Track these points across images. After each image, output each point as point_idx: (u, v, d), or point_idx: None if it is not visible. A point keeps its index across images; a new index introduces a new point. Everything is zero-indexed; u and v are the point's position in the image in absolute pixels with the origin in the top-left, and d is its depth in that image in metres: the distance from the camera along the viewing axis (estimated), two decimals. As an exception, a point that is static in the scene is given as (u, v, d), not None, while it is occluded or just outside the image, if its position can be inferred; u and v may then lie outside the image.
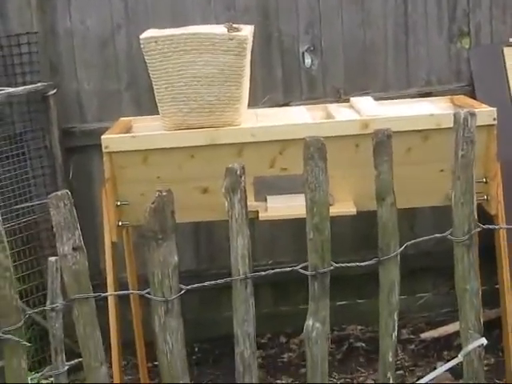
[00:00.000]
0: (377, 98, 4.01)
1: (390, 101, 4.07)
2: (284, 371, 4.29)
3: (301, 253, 4.33)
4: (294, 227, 4.44)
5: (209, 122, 3.59)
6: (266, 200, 3.67)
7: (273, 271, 2.55)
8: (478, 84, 4.33)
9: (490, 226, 2.48)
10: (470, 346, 2.49)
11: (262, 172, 3.59)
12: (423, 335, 4.45)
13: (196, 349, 4.52)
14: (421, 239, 2.51)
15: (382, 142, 2.47)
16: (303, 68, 4.37)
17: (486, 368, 4.12)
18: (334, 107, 3.95)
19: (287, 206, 3.60)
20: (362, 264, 2.50)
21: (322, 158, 2.47)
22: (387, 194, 2.49)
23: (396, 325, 2.54)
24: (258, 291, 2.55)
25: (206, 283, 2.54)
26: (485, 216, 3.73)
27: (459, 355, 2.54)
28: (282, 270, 2.55)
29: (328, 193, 2.50)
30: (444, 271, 4.51)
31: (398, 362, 4.24)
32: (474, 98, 4.08)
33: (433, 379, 2.63)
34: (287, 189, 3.67)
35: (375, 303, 4.51)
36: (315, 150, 2.46)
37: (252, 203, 3.61)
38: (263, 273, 2.54)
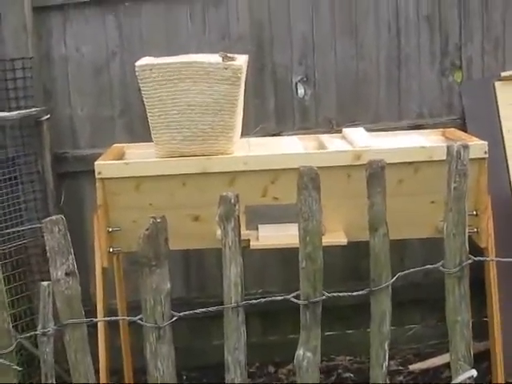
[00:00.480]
0: (368, 130, 4.04)
1: (381, 132, 4.10)
2: (272, 402, 4.30)
3: (290, 282, 4.35)
4: (284, 257, 4.48)
5: (202, 150, 3.61)
6: (257, 229, 3.68)
7: (264, 300, 2.57)
8: (470, 117, 4.37)
9: (482, 258, 2.51)
10: (461, 378, 2.50)
11: (253, 201, 3.61)
12: (412, 367, 4.46)
13: (184, 377, 4.51)
14: (413, 270, 2.53)
15: (375, 173, 2.50)
16: (296, 98, 4.41)
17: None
18: (326, 137, 3.98)
19: (278, 235, 3.61)
20: (353, 294, 2.51)
21: (316, 188, 2.49)
22: (380, 225, 2.51)
23: (387, 355, 2.55)
24: (247, 320, 2.56)
25: (197, 310, 2.54)
26: (474, 249, 3.77)
27: (450, 386, 2.55)
28: (274, 298, 2.56)
29: (321, 222, 2.52)
30: (432, 303, 4.56)
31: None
32: (465, 132, 4.12)
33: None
34: (279, 218, 3.69)
35: (364, 334, 4.55)
36: (309, 179, 2.49)
37: (243, 232, 3.57)
38: (255, 301, 2.56)
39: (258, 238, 3.64)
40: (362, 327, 4.55)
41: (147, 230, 2.43)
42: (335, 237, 3.62)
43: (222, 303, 2.53)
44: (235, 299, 2.50)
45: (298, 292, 2.53)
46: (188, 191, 3.59)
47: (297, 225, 3.55)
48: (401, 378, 4.42)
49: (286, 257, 4.48)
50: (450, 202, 2.48)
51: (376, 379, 2.54)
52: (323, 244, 3.61)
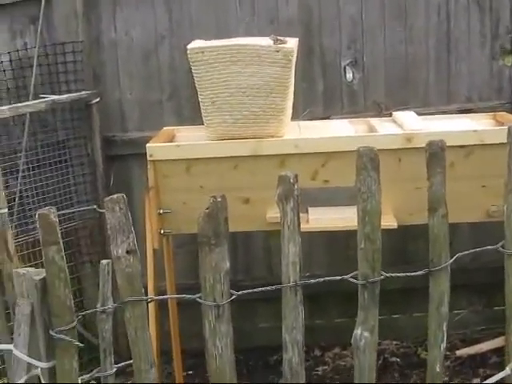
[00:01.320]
0: (417, 114, 4.02)
1: (432, 116, 4.09)
2: (317, 385, 4.31)
3: (334, 266, 4.39)
4: (328, 241, 4.47)
5: (253, 132, 3.62)
6: (307, 211, 3.68)
7: (322, 279, 2.57)
8: (519, 101, 4.34)
9: (542, 240, 2.48)
10: (520, 360, 2.49)
11: (303, 184, 3.56)
12: (459, 352, 4.43)
13: (231, 359, 4.51)
14: (473, 250, 2.52)
15: (435, 153, 2.49)
16: (344, 82, 4.39)
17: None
18: (376, 121, 3.97)
19: (329, 218, 3.62)
20: (411, 274, 2.51)
21: (375, 169, 2.48)
22: (439, 205, 2.50)
23: (445, 336, 2.55)
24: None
25: (256, 290, 2.56)
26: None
27: (507, 368, 2.54)
28: (332, 278, 2.56)
29: (380, 203, 2.51)
30: (480, 288, 4.54)
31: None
32: (515, 116, 4.09)
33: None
34: (329, 201, 3.69)
35: (410, 319, 4.58)
36: (368, 160, 2.48)
37: (293, 214, 3.65)
38: (313, 280, 2.56)
39: (308, 221, 3.64)
40: (408, 312, 4.54)
41: (207, 208, 2.44)
42: (385, 220, 3.56)
43: (269, 285, 2.54)
44: (293, 278, 2.51)
45: (356, 272, 2.53)
46: (239, 174, 3.60)
47: (346, 208, 3.62)
48: (448, 363, 4.39)
49: (330, 241, 4.48)
50: (510, 183, 2.47)
51: (434, 360, 2.54)
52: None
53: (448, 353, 4.49)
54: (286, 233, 2.51)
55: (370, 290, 2.50)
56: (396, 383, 4.22)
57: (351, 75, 4.38)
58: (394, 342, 4.55)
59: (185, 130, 4.06)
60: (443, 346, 2.53)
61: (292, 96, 3.75)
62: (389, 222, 3.59)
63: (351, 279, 2.52)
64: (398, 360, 4.44)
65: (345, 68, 4.39)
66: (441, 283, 2.51)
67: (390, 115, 4.07)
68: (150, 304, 3.51)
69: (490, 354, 4.33)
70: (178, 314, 4.07)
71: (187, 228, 3.56)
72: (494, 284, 3.98)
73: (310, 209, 3.70)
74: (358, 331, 2.53)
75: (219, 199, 2.44)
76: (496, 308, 4.33)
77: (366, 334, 2.53)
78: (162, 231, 3.67)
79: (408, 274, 2.53)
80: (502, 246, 2.49)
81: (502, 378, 2.61)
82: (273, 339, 4.49)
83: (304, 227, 3.60)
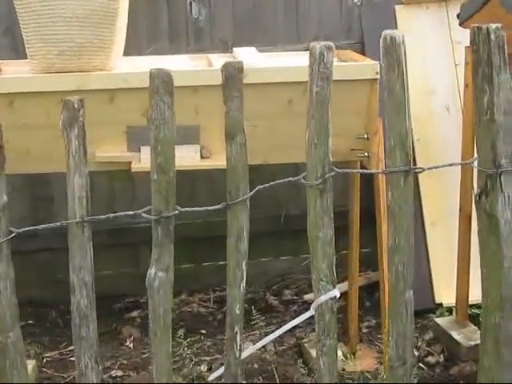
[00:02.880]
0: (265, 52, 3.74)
1: (274, 53, 3.81)
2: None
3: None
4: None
5: (79, 65, 3.27)
6: (139, 151, 3.36)
7: (113, 215, 2.27)
8: (368, 42, 4.08)
9: (346, 170, 2.22)
10: (322, 298, 2.24)
11: (135, 121, 3.29)
12: (306, 296, 4.21)
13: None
14: (274, 183, 2.24)
15: (231, 76, 2.20)
16: (190, 18, 4.06)
17: (366, 329, 4.02)
18: (215, 57, 3.66)
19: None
20: (208, 208, 2.23)
21: (169, 93, 2.19)
22: (238, 133, 2.22)
23: (244, 274, 2.28)
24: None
25: (40, 226, 2.24)
26: (366, 177, 3.53)
27: (311, 308, 2.29)
28: (125, 213, 2.26)
29: (174, 131, 2.22)
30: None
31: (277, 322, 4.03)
32: (364, 56, 3.83)
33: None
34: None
35: (257, 264, 4.33)
36: (161, 82, 2.19)
37: (125, 154, 3.34)
38: (103, 216, 2.26)
39: (140, 161, 3.33)
40: (255, 257, 4.28)
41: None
42: (220, 160, 3.32)
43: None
44: (80, 214, 2.20)
45: (149, 207, 2.23)
46: (64, 109, 3.25)
47: (179, 147, 3.33)
48: (295, 307, 4.19)
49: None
50: (312, 109, 2.20)
51: (233, 301, 2.27)
52: (208, 167, 3.38)
53: (296, 297, 4.28)
54: (71, 163, 2.21)
55: (163, 225, 2.21)
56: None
57: (197, 11, 4.06)
58: (242, 288, 4.28)
59: (14, 63, 3.67)
60: (243, 285, 2.27)
61: (124, 29, 3.42)
62: (223, 161, 3.31)
63: (144, 214, 2.22)
64: (246, 306, 4.18)
65: (191, 3, 4.06)
66: (239, 218, 2.24)
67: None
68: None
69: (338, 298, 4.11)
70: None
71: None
72: (341, 226, 3.78)
73: (142, 148, 3.38)
74: (151, 270, 2.25)
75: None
76: (343, 252, 4.11)
77: (161, 273, 2.24)
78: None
79: (204, 208, 2.23)
80: (304, 178, 2.21)
81: (308, 318, 2.36)
82: (117, 287, 4.25)
83: (135, 167, 3.36)
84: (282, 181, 2.24)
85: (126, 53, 3.56)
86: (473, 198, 3.66)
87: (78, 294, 2.24)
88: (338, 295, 2.27)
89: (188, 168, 3.37)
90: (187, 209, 2.22)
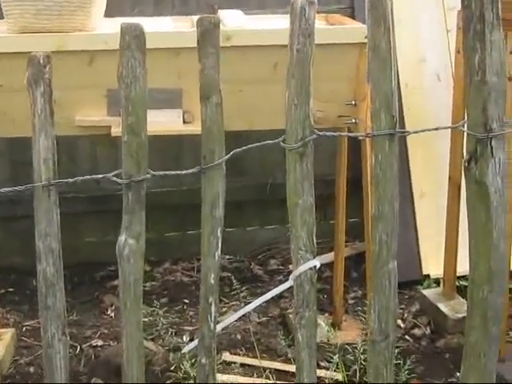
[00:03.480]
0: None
1: (261, 16, 3.63)
2: (144, 300, 3.86)
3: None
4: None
5: (57, 26, 3.09)
6: (120, 115, 3.18)
7: (82, 178, 2.10)
8: (358, 7, 3.91)
9: (328, 134, 2.06)
10: (301, 268, 2.09)
11: (116, 84, 3.10)
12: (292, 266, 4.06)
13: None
14: (250, 146, 2.07)
15: (207, 31, 2.03)
16: (175, -20, 3.89)
17: (352, 301, 3.87)
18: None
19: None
20: (181, 172, 2.06)
21: (140, 49, 2.01)
22: (213, 92, 2.05)
23: (220, 243, 2.11)
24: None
25: (2, 190, 2.07)
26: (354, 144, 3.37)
27: (289, 278, 2.14)
28: (94, 177, 2.10)
29: (146, 90, 2.05)
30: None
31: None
32: (353, 20, 3.65)
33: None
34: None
35: (243, 233, 4.18)
36: (132, 38, 2.01)
37: (105, 118, 3.17)
38: (71, 180, 2.09)
39: (120, 125, 3.14)
40: (241, 226, 4.14)
41: None
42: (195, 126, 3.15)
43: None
44: (46, 176, 2.03)
45: (120, 170, 2.07)
46: (42, 71, 3.07)
47: (161, 111, 3.17)
48: (280, 277, 4.04)
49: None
50: (293, 68, 2.03)
51: (207, 270, 2.11)
52: (188, 132, 3.22)
53: (281, 267, 4.14)
54: (37, 123, 2.04)
55: (134, 190, 2.04)
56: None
57: (182, -28, 3.88)
58: (227, 257, 4.13)
59: (-9, 23, 3.49)
60: (218, 254, 2.10)
61: (105, -13, 3.23)
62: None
63: (114, 178, 2.06)
64: (230, 275, 4.03)
65: (176, -36, 3.88)
66: (214, 183, 2.07)
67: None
68: None
69: (323, 268, 3.96)
70: None
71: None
72: (329, 196, 3.62)
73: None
74: (122, 238, 2.08)
75: None
76: (332, 222, 3.96)
77: (131, 240, 2.08)
78: None
79: (177, 172, 2.07)
80: (283, 141, 2.05)
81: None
82: (99, 254, 4.10)
83: (115, 131, 3.17)
84: (258, 144, 2.07)
85: (110, 15, 3.38)
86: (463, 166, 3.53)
87: (43, 262, 2.08)
88: (318, 265, 2.11)
89: (170, 133, 3.23)
90: (160, 172, 2.06)
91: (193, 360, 2.90)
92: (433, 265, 3.77)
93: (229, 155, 2.06)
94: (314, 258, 2.10)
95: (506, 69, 1.92)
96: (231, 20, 3.31)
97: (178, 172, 2.07)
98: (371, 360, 2.11)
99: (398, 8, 3.85)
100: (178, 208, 4.09)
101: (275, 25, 3.32)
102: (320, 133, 2.05)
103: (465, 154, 1.97)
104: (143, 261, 2.14)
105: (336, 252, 3.64)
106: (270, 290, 3.88)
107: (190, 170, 2.06)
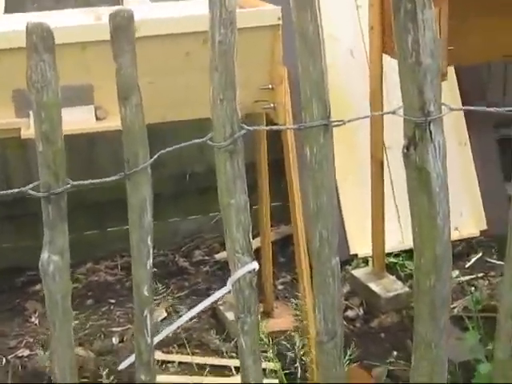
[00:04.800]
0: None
1: (168, 2, 3.41)
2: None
3: (74, 174, 3.70)
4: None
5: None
6: (28, 116, 2.96)
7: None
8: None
9: (258, 127, 1.89)
10: (239, 272, 1.92)
11: (22, 84, 2.86)
12: (218, 256, 3.90)
13: None
14: (176, 146, 1.89)
15: (121, 26, 1.83)
16: (75, -30, 3.64)
17: (281, 286, 3.74)
18: (104, 10, 3.24)
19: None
20: (103, 180, 1.86)
21: (49, 50, 1.80)
22: (132, 92, 1.85)
23: (151, 251, 1.93)
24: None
25: None
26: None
27: (227, 284, 1.97)
28: (10, 191, 1.87)
29: (58, 92, 1.84)
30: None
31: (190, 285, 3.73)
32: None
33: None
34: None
35: (165, 225, 3.96)
36: (40, 39, 1.79)
37: (13, 120, 2.92)
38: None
39: (29, 127, 2.92)
40: (162, 218, 3.94)
41: None
42: (117, 120, 2.94)
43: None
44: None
45: (37, 182, 1.85)
46: None
47: (74, 108, 2.95)
48: (207, 267, 3.87)
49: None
50: (216, 60, 1.85)
51: (140, 281, 1.92)
52: (102, 129, 3.01)
53: (207, 257, 3.97)
54: None
55: (54, 203, 1.83)
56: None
57: (82, -38, 3.63)
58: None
59: None
60: (149, 263, 1.92)
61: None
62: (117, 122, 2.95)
63: (31, 191, 1.84)
64: (156, 270, 3.84)
65: (74, -46, 3.62)
66: (140, 188, 1.88)
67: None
68: None
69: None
70: None
71: None
72: (250, 181, 3.46)
73: (31, 113, 2.95)
74: (44, 255, 1.87)
75: None
76: (255, 207, 3.81)
77: (56, 257, 1.87)
78: None
79: (99, 180, 1.87)
80: (211, 139, 1.87)
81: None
82: (17, 260, 3.85)
83: (25, 134, 2.93)
84: (187, 143, 1.89)
85: (9, 10, 3.13)
86: (384, 143, 3.42)
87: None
88: (257, 268, 1.95)
89: (83, 131, 3.01)
90: (80, 182, 1.85)
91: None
92: (360, 244, 3.66)
93: (153, 158, 1.87)
94: (253, 259, 1.94)
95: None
96: (137, 9, 3.09)
97: (102, 180, 1.87)
98: (320, 360, 1.97)
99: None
100: (96, 205, 3.87)
101: (183, 11, 3.13)
102: (250, 127, 1.88)
103: (403, 140, 1.83)
104: (69, 274, 1.94)
105: (262, 238, 3.48)
106: (197, 282, 3.79)
107: (114, 178, 1.86)
